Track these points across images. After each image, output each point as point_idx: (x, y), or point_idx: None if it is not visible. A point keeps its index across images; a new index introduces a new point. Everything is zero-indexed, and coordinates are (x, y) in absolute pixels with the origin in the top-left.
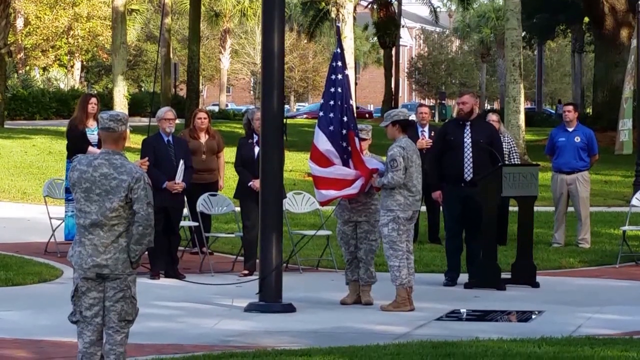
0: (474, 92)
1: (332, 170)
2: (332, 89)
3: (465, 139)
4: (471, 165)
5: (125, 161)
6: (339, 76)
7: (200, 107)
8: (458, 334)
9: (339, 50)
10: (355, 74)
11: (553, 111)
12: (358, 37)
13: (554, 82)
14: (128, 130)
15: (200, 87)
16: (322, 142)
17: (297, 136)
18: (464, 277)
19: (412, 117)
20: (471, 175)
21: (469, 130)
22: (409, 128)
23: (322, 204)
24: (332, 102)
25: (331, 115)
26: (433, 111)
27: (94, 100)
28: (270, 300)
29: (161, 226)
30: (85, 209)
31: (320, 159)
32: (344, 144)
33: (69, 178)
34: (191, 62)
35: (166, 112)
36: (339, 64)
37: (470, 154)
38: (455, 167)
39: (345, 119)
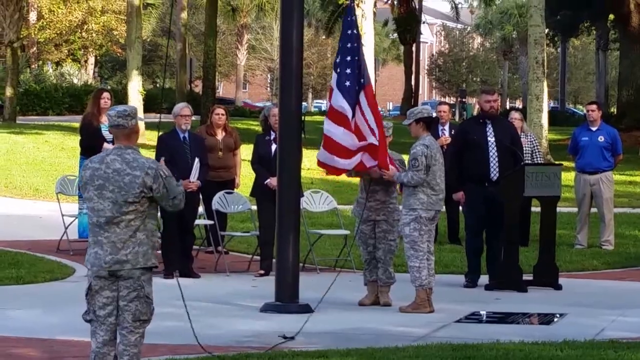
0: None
1: (339, 133)
2: (349, 44)
3: (488, 138)
4: (497, 164)
5: (137, 155)
6: (354, 30)
7: (217, 104)
8: (478, 337)
9: (351, 3)
10: (375, 70)
11: (578, 110)
12: (378, 33)
13: (577, 81)
14: (141, 123)
15: (216, 83)
16: (337, 100)
17: (315, 134)
18: (484, 279)
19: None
20: (497, 175)
21: (491, 128)
22: (432, 125)
23: (318, 163)
24: (348, 58)
25: (348, 71)
26: (453, 109)
27: (106, 94)
28: (287, 300)
29: (175, 224)
30: (98, 207)
31: (334, 116)
32: (360, 100)
33: (82, 177)
34: (207, 58)
35: (182, 108)
36: (353, 18)
37: (496, 153)
38: (480, 167)
39: (366, 73)
